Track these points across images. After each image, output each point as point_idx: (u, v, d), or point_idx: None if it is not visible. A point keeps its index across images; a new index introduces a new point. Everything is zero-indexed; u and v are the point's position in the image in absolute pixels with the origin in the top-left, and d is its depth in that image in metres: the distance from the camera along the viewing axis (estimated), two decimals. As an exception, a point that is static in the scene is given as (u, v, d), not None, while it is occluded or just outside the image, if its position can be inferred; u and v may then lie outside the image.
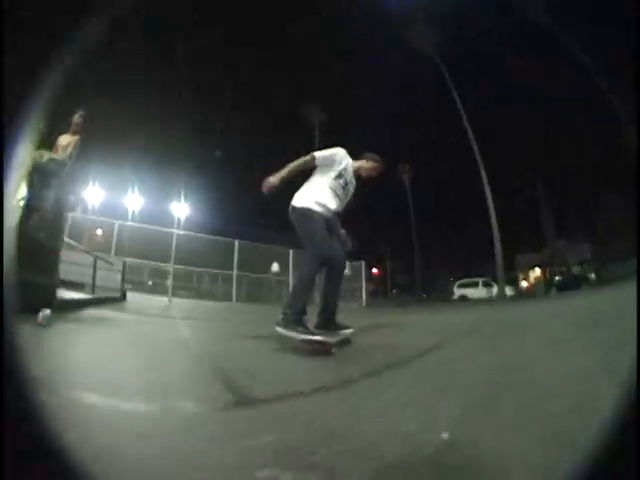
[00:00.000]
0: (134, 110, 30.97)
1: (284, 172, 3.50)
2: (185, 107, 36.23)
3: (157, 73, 34.16)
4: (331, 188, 3.63)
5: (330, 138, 34.49)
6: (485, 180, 23.30)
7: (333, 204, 3.63)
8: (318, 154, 3.61)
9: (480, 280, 24.04)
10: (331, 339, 3.06)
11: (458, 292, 24.03)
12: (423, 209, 37.25)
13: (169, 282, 14.38)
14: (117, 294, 8.69)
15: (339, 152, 3.73)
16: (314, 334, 3.04)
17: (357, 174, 3.93)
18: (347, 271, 4.23)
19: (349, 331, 3.44)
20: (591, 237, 28.32)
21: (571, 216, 29.97)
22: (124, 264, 10.09)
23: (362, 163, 3.97)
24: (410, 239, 37.23)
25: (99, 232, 16.72)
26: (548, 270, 26.78)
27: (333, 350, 2.93)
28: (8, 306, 1.19)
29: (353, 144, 3.93)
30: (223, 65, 37.75)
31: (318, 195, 3.56)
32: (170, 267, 14.50)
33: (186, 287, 18.44)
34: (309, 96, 34.83)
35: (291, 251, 16.41)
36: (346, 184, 3.74)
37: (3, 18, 1.78)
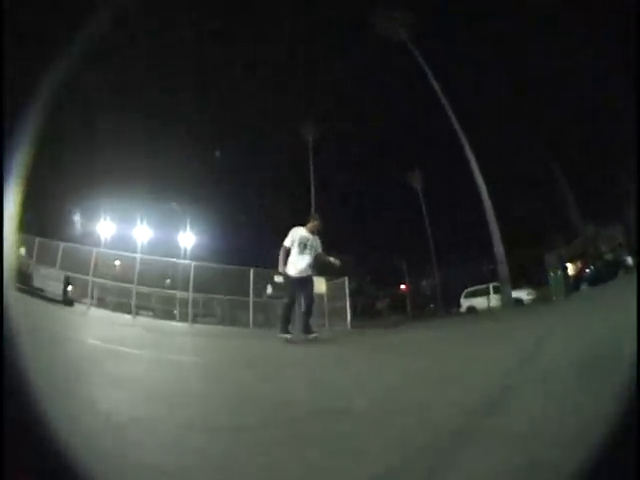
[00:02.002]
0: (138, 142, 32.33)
1: (281, 262, 6.36)
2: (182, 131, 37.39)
3: (155, 99, 35.38)
4: (297, 253, 6.45)
5: (325, 154, 34.72)
6: (477, 170, 21.67)
7: (302, 262, 6.46)
8: (287, 245, 6.46)
9: (491, 286, 20.90)
10: (303, 338, 6.10)
11: (465, 303, 21.88)
12: (433, 215, 35.86)
13: (189, 309, 15.73)
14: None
15: (291, 231, 6.54)
16: (291, 335, 6.18)
17: (312, 231, 6.60)
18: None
19: (315, 335, 6.20)
20: (620, 217, 26.53)
21: (594, 198, 27.60)
22: (66, 277, 11.77)
23: (311, 224, 6.63)
24: (425, 250, 35.87)
25: (117, 263, 18.63)
26: (579, 263, 23.28)
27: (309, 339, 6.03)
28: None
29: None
30: (222, 90, 38.73)
31: (292, 261, 6.45)
32: (190, 295, 15.89)
33: (207, 314, 19.59)
34: (304, 112, 35.10)
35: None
36: (305, 245, 6.46)
37: (3, 18, 1.92)
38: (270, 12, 35.80)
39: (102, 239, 26.02)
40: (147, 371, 3.26)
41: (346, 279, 16.48)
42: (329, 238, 7.46)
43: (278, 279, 16.99)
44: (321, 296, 18.84)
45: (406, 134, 38.92)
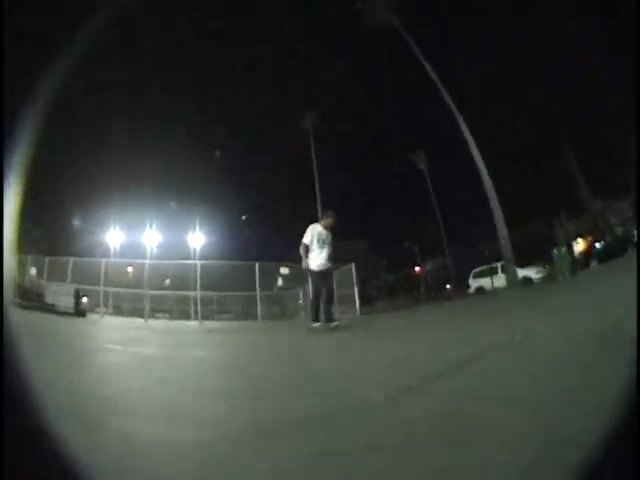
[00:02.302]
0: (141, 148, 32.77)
1: (304, 258, 6.80)
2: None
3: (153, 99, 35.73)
4: (317, 248, 6.90)
5: (326, 142, 35.28)
6: (475, 148, 20.83)
7: (322, 256, 6.89)
8: (306, 242, 6.88)
9: (499, 265, 19.76)
10: (326, 326, 6.46)
11: (474, 284, 21.16)
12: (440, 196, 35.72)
13: (198, 308, 16.04)
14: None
15: (309, 229, 6.99)
16: (320, 323, 6.59)
17: (327, 227, 7.05)
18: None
19: (336, 323, 6.62)
20: (627, 189, 25.36)
21: (601, 171, 27.16)
22: (76, 290, 12.09)
23: (325, 221, 7.13)
24: (435, 231, 35.75)
25: (130, 269, 19.62)
26: (588, 239, 23.23)
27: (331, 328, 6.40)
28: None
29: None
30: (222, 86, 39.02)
31: (313, 257, 6.90)
32: (197, 294, 16.12)
33: (222, 311, 20.38)
34: (304, 102, 35.41)
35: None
36: (324, 241, 6.94)
37: (3, 18, 1.93)
38: (266, 10, 36.00)
39: (112, 248, 26.79)
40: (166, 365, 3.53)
41: (353, 266, 16.18)
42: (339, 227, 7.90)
43: (284, 271, 17.74)
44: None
45: (406, 118, 39.11)
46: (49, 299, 11.06)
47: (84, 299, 13.46)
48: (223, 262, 19.10)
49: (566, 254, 15.70)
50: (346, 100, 38.33)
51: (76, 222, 27.37)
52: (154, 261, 17.03)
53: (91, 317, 11.99)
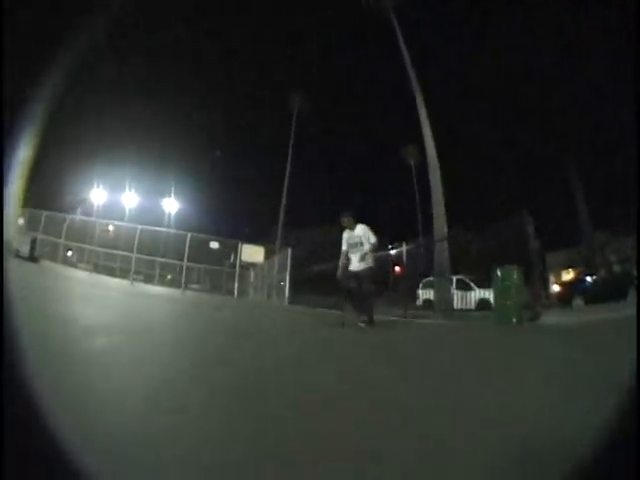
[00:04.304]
0: (128, 111, 35.63)
1: (340, 267, 7.49)
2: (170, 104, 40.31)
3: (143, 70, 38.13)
4: (350, 254, 7.46)
5: (311, 125, 38.34)
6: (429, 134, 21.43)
7: (354, 260, 7.35)
8: (343, 249, 7.55)
9: (453, 279, 17.29)
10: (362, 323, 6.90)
11: (423, 294, 19.80)
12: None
13: (183, 278, 18.67)
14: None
15: (344, 236, 7.54)
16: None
17: (348, 228, 7.47)
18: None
19: (362, 324, 6.94)
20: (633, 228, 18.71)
21: (611, 202, 26.19)
22: (33, 239, 15.23)
23: (343, 223, 7.56)
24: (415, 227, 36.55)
25: (110, 228, 23.21)
26: (579, 271, 21.11)
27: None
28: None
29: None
30: (213, 59, 41.64)
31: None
32: (184, 264, 18.78)
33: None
34: (289, 83, 38.16)
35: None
36: (353, 243, 7.39)
37: (3, 18, 2.14)
38: None
39: (95, 206, 30.30)
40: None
41: (289, 250, 17.62)
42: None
43: (214, 245, 20.46)
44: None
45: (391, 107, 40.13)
46: (16, 245, 14.05)
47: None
48: (159, 229, 22.05)
49: (516, 279, 8.28)
50: (333, 82, 40.31)
51: (63, 179, 30.86)
52: (145, 226, 19.36)
53: (44, 263, 15.36)
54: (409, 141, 33.80)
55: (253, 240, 23.09)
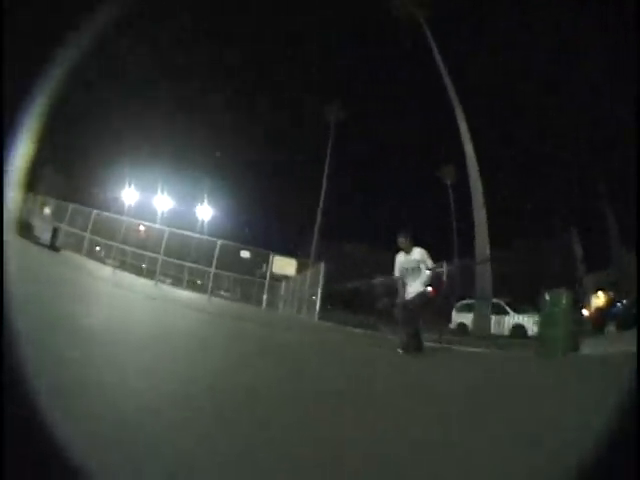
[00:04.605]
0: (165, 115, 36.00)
1: (399, 294, 6.83)
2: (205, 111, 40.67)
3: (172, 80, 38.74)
4: (407, 280, 6.74)
5: (349, 138, 37.21)
6: (472, 160, 20.75)
7: (411, 287, 6.66)
8: (396, 275, 6.96)
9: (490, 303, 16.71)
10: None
11: (456, 318, 18.79)
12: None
13: (210, 285, 18.24)
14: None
15: (396, 259, 6.91)
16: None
17: (404, 250, 6.78)
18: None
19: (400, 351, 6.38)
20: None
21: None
22: (54, 229, 14.83)
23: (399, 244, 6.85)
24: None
25: (142, 228, 23.11)
26: (610, 296, 18.82)
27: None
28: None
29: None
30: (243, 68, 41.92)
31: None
32: (212, 271, 18.23)
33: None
34: (326, 94, 37.47)
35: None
36: (407, 269, 6.73)
37: (3, 18, 2.10)
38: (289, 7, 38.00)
39: (126, 205, 30.26)
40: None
41: (322, 265, 16.88)
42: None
43: (245, 255, 19.86)
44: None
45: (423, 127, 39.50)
46: (37, 232, 13.73)
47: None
48: (190, 234, 21.20)
49: (565, 304, 7.27)
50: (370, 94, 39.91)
51: (96, 175, 31.13)
52: (172, 228, 19.18)
53: (66, 254, 15.00)
54: (450, 158, 32.28)
55: (287, 252, 22.72)
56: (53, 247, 13.91)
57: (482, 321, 15.47)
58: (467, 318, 17.80)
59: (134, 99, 34.48)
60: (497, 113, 30.61)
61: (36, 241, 13.04)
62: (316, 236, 34.12)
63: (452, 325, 18.40)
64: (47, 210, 17.28)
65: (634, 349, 6.43)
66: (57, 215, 17.14)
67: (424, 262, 6.67)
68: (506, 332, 14.55)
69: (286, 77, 42.26)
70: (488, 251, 18.31)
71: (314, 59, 42.13)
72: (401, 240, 6.78)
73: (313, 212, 35.07)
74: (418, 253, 6.72)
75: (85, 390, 1.75)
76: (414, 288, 6.62)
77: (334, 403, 2.52)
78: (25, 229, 12.99)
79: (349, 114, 37.02)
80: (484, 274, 16.83)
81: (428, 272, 6.62)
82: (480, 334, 13.88)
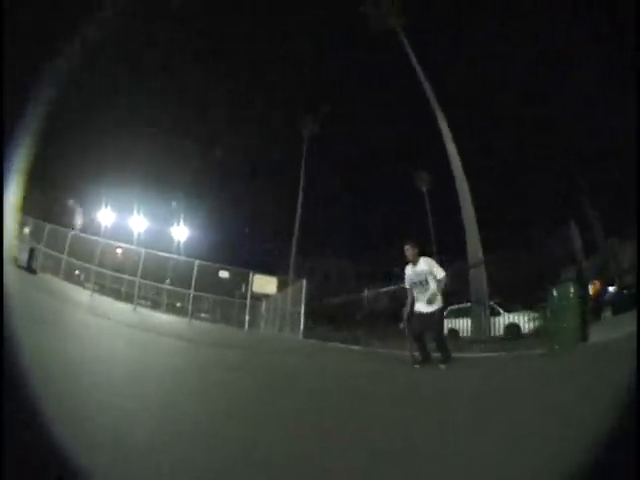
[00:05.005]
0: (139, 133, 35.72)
1: (406, 310, 6.62)
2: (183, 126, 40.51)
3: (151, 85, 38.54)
4: (415, 294, 6.52)
5: (322, 149, 37.56)
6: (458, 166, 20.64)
7: (421, 301, 6.38)
8: (407, 286, 6.65)
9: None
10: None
11: (447, 324, 15.52)
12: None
13: (189, 306, 17.70)
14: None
15: (406, 272, 6.65)
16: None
17: (411, 262, 6.57)
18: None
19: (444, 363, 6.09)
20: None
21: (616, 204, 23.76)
22: (31, 250, 14.32)
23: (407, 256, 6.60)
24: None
25: (119, 251, 22.64)
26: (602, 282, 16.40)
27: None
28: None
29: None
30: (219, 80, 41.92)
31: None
32: (191, 293, 17.63)
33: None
34: (299, 105, 37.20)
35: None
36: (415, 283, 6.49)
37: (3, 18, 2.15)
38: (263, 10, 38.32)
39: (103, 227, 29.70)
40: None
41: (304, 282, 16.76)
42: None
43: (224, 275, 19.66)
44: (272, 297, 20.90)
45: (402, 133, 39.85)
46: (15, 253, 13.18)
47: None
48: (167, 255, 20.84)
49: (573, 298, 7.24)
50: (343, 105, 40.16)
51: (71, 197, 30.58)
52: (149, 250, 18.47)
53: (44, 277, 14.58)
54: (432, 162, 32.43)
55: (265, 270, 22.00)
56: (30, 269, 13.52)
57: (480, 324, 15.14)
58: (457, 323, 16.72)
59: (110, 117, 33.78)
60: (476, 119, 30.75)
61: (16, 263, 12.73)
62: (294, 252, 33.77)
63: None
64: (26, 230, 16.82)
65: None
66: (35, 235, 16.73)
67: (431, 273, 6.35)
68: (501, 333, 14.30)
69: (259, 89, 42.00)
70: (481, 253, 18.08)
71: (289, 69, 41.86)
72: (407, 250, 6.54)
73: (290, 227, 34.84)
74: (425, 263, 6.43)
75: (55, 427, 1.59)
76: (425, 305, 6.30)
77: (373, 425, 2.45)
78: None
79: (323, 125, 36.93)
80: (478, 277, 16.55)
81: (434, 285, 6.30)
82: (478, 338, 13.64)
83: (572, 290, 7.18)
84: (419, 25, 26.11)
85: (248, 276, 19.44)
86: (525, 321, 13.38)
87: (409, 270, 6.56)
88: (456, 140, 21.36)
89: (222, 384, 3.76)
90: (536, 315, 13.26)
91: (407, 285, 6.65)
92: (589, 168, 26.48)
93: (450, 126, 21.87)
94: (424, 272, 6.37)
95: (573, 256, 8.38)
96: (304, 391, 3.82)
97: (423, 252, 6.63)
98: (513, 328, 14.02)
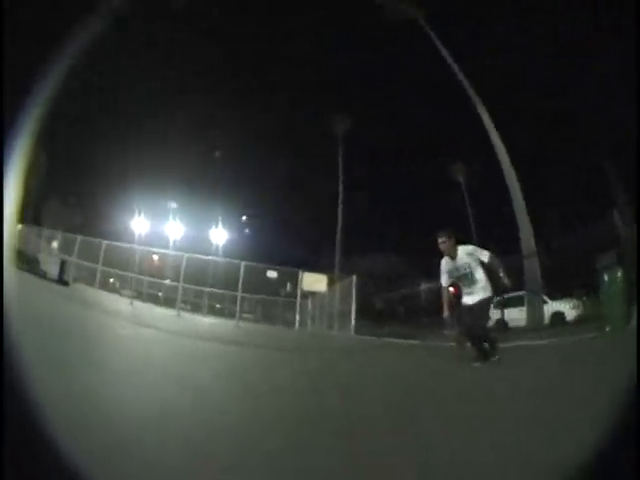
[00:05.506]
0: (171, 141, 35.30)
1: (445, 306, 5.68)
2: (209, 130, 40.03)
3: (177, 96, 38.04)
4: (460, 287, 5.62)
5: (357, 148, 35.58)
6: (504, 155, 20.57)
7: (468, 293, 5.47)
8: (443, 283, 5.68)
9: (525, 294, 16.48)
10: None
11: (494, 315, 16.14)
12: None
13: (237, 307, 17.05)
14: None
15: (441, 265, 5.62)
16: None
17: (448, 254, 5.52)
18: None
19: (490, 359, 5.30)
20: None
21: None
22: (62, 262, 13.94)
23: (441, 247, 5.55)
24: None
25: (155, 258, 22.60)
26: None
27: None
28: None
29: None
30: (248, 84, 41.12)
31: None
32: (238, 294, 16.95)
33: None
34: (332, 103, 36.16)
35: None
36: (458, 270, 5.49)
37: (3, 18, 2.09)
38: (286, 11, 37.32)
39: (137, 235, 29.34)
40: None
41: (354, 278, 16.18)
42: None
43: (272, 275, 18.91)
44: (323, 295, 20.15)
45: (438, 124, 38.28)
46: (43, 267, 13.13)
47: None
48: (210, 258, 20.75)
49: (621, 282, 7.95)
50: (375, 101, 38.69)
51: (103, 205, 30.39)
52: (189, 254, 18.00)
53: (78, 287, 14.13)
54: (475, 154, 30.99)
55: (310, 269, 21.17)
56: (62, 281, 13.28)
57: (534, 314, 15.39)
58: (505, 314, 16.45)
59: (138, 126, 33.43)
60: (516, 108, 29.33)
61: (42, 275, 12.46)
62: (338, 249, 32.74)
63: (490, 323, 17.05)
64: (54, 244, 16.90)
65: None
66: (64, 248, 16.46)
67: (477, 259, 5.42)
68: (547, 321, 14.95)
69: (291, 91, 41.00)
70: (534, 244, 17.83)
71: (316, 71, 40.77)
72: (442, 242, 5.49)
73: (332, 225, 33.70)
74: (465, 253, 5.48)
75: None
76: (474, 297, 5.39)
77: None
78: (29, 263, 12.41)
79: (357, 123, 35.47)
80: (532, 267, 16.55)
81: (481, 275, 5.40)
82: (533, 327, 13.98)
83: (619, 275, 7.70)
84: (441, 16, 25.37)
85: (297, 275, 18.83)
86: (568, 308, 14.12)
87: (448, 263, 5.58)
88: (500, 130, 21.26)
89: (296, 387, 3.60)
90: (577, 302, 14.10)
91: (444, 283, 5.69)
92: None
93: (492, 117, 21.71)
94: (467, 263, 5.46)
95: (615, 242, 8.91)
96: (371, 389, 3.75)
97: (461, 241, 5.66)
98: (559, 315, 14.39)
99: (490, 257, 5.33)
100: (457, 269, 5.46)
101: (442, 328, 10.76)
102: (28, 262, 12.24)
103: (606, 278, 7.93)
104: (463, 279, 5.48)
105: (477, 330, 5.39)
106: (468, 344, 5.70)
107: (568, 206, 26.20)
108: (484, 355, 5.29)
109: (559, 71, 27.48)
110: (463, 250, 5.46)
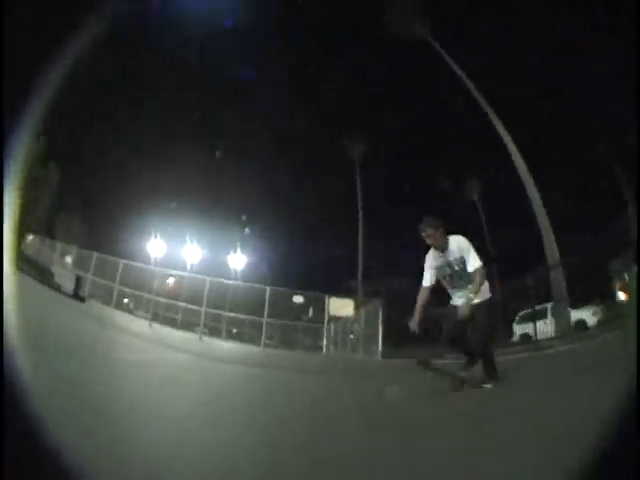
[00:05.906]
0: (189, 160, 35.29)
1: (417, 316, 4.34)
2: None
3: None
4: (447, 288, 4.51)
5: (373, 171, 35.41)
6: (521, 162, 20.71)
7: (457, 295, 4.39)
8: (424, 282, 4.47)
9: (548, 306, 16.06)
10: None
11: (519, 330, 17.28)
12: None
13: (263, 334, 16.95)
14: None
15: (427, 259, 4.48)
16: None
17: (436, 246, 4.36)
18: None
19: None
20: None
21: None
22: (77, 277, 13.85)
23: (425, 239, 4.39)
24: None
25: (171, 280, 22.32)
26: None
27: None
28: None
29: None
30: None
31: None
32: (264, 320, 17.13)
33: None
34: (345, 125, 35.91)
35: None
36: (450, 266, 4.38)
37: (3, 18, 2.03)
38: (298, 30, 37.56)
39: (153, 257, 28.92)
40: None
41: (379, 303, 15.97)
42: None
43: (298, 300, 18.50)
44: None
45: (454, 141, 38.19)
46: (58, 280, 13.03)
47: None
48: (232, 282, 20.47)
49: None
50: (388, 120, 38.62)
51: (119, 225, 30.17)
52: (215, 278, 18.53)
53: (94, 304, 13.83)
54: (492, 168, 30.71)
55: (333, 293, 20.89)
56: (77, 297, 13.10)
57: (562, 324, 14.88)
58: (530, 328, 15.42)
59: (154, 146, 33.44)
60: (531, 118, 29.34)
61: (56, 288, 12.31)
62: (360, 273, 32.28)
63: (515, 337, 17.68)
64: (68, 258, 17.00)
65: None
66: (79, 264, 16.39)
67: (468, 258, 4.24)
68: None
69: (311, 116, 40.94)
70: (558, 255, 17.99)
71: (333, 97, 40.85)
72: (427, 234, 4.32)
73: (353, 248, 33.16)
74: (457, 245, 4.31)
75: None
76: (461, 298, 4.27)
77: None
78: (43, 274, 12.41)
79: (373, 146, 35.16)
80: (558, 278, 16.51)
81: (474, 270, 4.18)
82: (559, 338, 13.00)
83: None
84: (445, 30, 25.07)
85: (323, 299, 18.71)
86: (589, 315, 13.90)
87: (435, 258, 4.42)
88: (516, 142, 20.96)
89: (326, 413, 3.39)
90: (597, 308, 13.73)
91: (426, 282, 4.46)
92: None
93: (508, 129, 21.44)
94: (461, 259, 4.30)
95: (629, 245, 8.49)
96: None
97: (450, 230, 4.44)
98: (581, 323, 14.21)
99: (478, 268, 4.24)
100: (449, 265, 4.38)
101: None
102: (41, 272, 12.23)
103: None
104: (455, 278, 4.39)
105: (477, 342, 4.29)
106: (434, 368, 4.63)
107: (580, 211, 26.52)
108: (492, 371, 4.32)
109: (556, 71, 27.56)
110: (455, 241, 4.35)
